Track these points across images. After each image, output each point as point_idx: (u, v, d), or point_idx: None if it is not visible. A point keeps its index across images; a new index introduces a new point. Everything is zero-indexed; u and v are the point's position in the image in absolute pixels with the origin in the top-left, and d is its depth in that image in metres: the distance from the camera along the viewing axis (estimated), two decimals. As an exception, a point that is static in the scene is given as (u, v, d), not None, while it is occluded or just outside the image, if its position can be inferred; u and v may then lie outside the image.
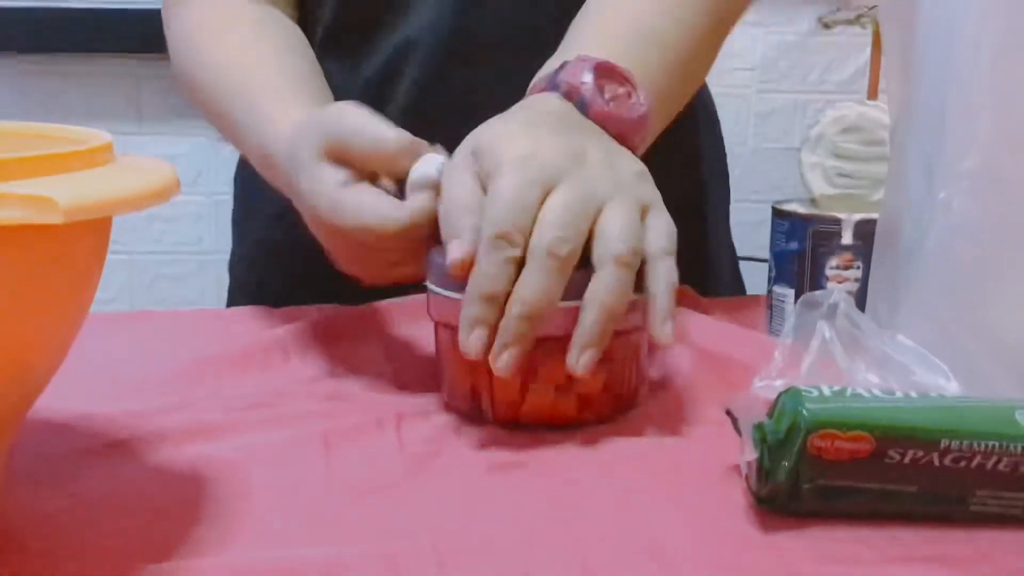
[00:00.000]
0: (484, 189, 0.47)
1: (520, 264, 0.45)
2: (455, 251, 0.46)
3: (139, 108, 1.60)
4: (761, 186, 1.89)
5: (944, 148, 0.53)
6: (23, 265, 0.34)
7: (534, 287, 0.44)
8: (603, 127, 0.52)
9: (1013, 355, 0.49)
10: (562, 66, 0.54)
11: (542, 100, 0.53)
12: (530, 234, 0.45)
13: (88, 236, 0.37)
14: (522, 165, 0.46)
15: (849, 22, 1.45)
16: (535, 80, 0.56)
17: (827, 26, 1.58)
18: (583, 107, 0.52)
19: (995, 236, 0.51)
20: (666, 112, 0.62)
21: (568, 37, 0.61)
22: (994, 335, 0.50)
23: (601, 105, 0.52)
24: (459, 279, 0.47)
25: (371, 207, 0.50)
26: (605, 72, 0.53)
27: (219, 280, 1.79)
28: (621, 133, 0.52)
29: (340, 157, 0.51)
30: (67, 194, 0.33)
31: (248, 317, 0.73)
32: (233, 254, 0.91)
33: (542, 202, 0.45)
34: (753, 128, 1.91)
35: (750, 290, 0.90)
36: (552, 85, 0.53)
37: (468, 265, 0.46)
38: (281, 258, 0.84)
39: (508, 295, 0.45)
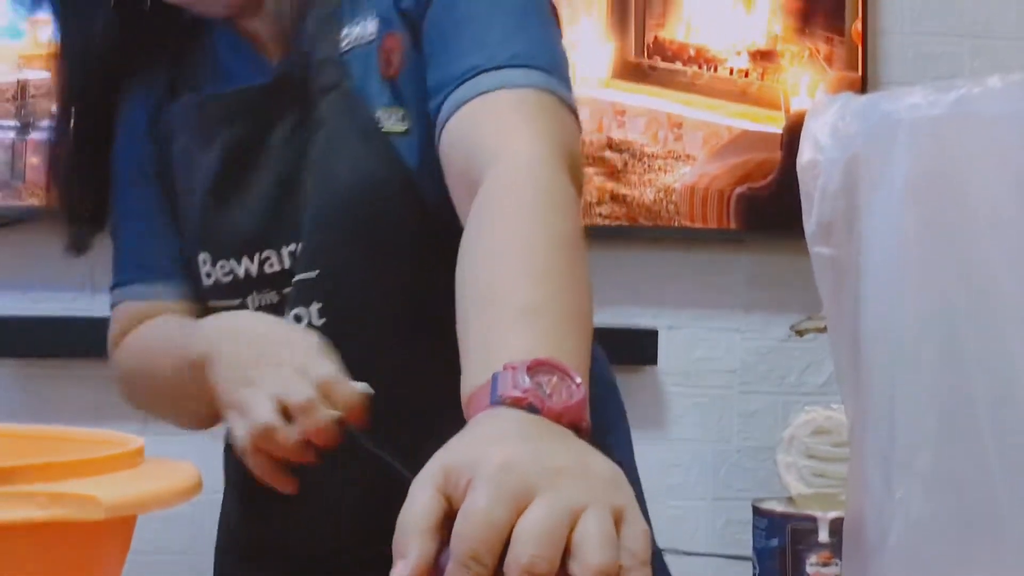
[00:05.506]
0: (452, 506, 0.48)
1: None
2: (400, 570, 0.46)
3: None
4: (748, 484, 1.92)
5: (897, 448, 0.57)
6: (63, 559, 0.38)
7: None
8: (557, 423, 0.53)
9: (979, 648, 0.52)
10: (494, 380, 0.54)
11: (497, 415, 0.53)
12: (502, 550, 0.45)
13: (119, 532, 0.41)
14: (497, 479, 0.46)
15: (819, 330, 1.54)
16: (467, 397, 0.57)
17: (800, 333, 1.68)
18: (534, 412, 0.53)
19: (952, 532, 0.55)
20: (587, 358, 0.62)
21: (470, 339, 0.61)
22: (960, 628, 0.53)
23: (549, 404, 0.53)
24: None
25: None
26: (535, 369, 0.54)
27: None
28: (573, 420, 0.54)
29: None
30: (109, 493, 0.37)
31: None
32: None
33: (516, 517, 0.46)
34: (737, 428, 1.96)
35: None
36: (493, 402, 0.54)
37: None
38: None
39: None
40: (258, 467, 0.71)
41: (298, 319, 0.81)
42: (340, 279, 0.81)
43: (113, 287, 0.93)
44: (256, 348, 0.73)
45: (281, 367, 0.71)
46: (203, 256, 0.84)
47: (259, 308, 0.83)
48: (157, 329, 0.88)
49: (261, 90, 0.83)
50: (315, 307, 0.81)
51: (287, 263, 0.82)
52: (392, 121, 0.79)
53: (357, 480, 0.82)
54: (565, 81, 0.75)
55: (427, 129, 0.77)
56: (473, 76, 0.73)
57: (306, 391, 0.69)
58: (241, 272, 0.83)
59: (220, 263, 0.83)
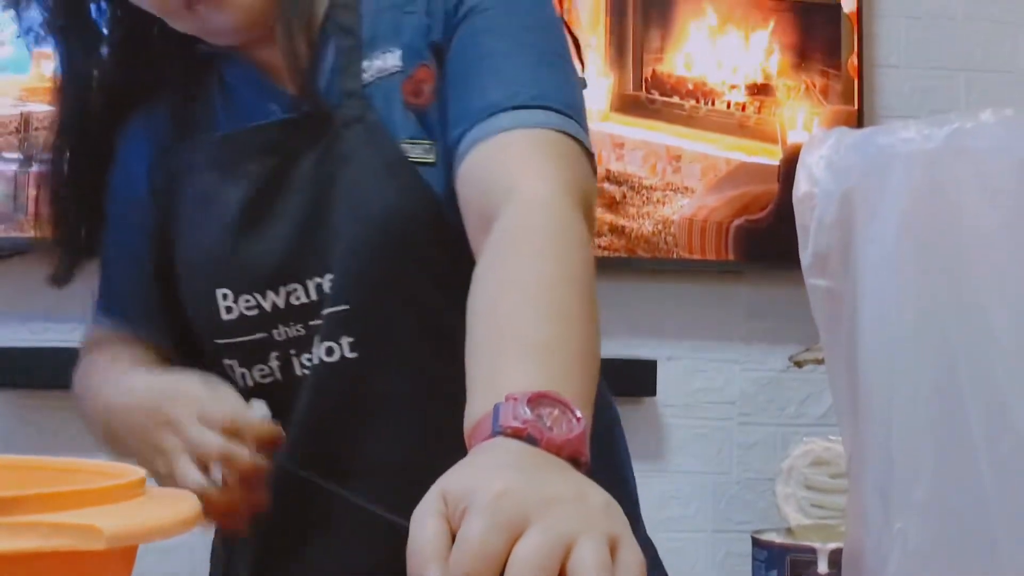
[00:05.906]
0: (453, 530, 0.48)
1: None
2: None
3: (144, 440, 1.67)
4: (747, 515, 1.91)
5: (895, 479, 0.57)
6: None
7: None
8: (556, 455, 0.54)
9: None
10: (495, 410, 0.56)
11: (496, 445, 0.54)
12: None
13: (120, 562, 0.41)
14: (492, 507, 0.47)
15: (818, 361, 1.55)
16: (470, 427, 0.58)
17: (798, 364, 1.68)
18: (533, 443, 0.54)
19: (950, 563, 0.55)
20: (592, 397, 0.63)
21: (477, 371, 0.63)
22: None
23: (549, 436, 0.54)
24: None
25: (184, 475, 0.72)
26: (536, 401, 0.55)
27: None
28: (572, 453, 0.54)
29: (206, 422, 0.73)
30: (110, 523, 0.38)
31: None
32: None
33: (510, 545, 0.46)
34: (736, 459, 1.96)
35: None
36: (494, 432, 0.55)
37: None
38: None
39: None
40: (211, 521, 0.76)
41: (330, 352, 0.81)
42: (373, 312, 0.81)
43: (94, 308, 0.96)
44: (144, 411, 0.77)
45: (176, 423, 0.74)
46: (222, 292, 0.83)
47: (285, 341, 0.83)
48: (96, 367, 0.90)
49: (284, 124, 0.83)
50: (346, 340, 0.81)
51: (314, 295, 0.82)
52: (419, 152, 0.80)
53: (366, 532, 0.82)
54: (582, 123, 0.76)
55: (452, 159, 0.78)
56: (492, 114, 0.74)
57: (214, 441, 0.71)
58: (268, 305, 0.83)
59: (243, 297, 0.83)
